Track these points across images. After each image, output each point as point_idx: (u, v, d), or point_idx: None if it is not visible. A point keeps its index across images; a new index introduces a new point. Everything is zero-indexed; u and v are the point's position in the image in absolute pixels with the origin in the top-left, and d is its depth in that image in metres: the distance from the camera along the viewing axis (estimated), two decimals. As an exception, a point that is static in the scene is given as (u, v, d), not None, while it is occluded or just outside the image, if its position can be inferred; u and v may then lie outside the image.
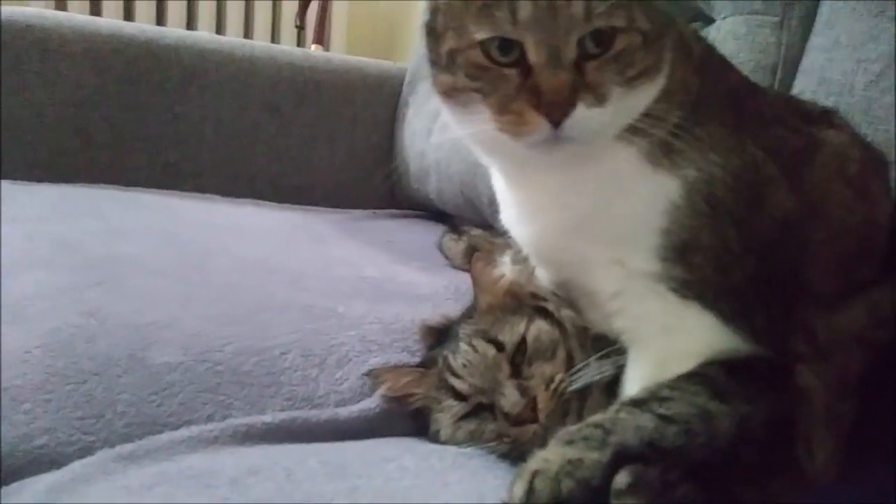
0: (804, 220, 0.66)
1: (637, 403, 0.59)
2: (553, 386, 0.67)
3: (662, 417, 0.57)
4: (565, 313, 0.73)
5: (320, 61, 1.62)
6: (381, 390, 0.77)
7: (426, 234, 1.34)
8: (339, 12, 2.61)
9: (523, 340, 0.71)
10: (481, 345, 0.71)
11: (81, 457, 0.64)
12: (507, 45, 0.57)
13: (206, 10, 2.50)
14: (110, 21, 1.54)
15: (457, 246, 1.19)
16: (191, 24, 2.47)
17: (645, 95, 0.60)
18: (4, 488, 0.62)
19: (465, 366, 0.71)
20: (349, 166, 1.61)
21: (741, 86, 0.72)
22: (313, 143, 1.57)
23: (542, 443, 0.60)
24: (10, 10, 1.35)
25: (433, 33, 0.62)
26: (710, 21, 1.10)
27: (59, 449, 0.66)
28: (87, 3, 2.36)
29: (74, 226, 1.02)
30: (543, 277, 0.76)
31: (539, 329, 0.71)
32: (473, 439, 0.69)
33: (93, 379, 0.70)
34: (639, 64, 0.58)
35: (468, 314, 0.78)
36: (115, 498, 0.58)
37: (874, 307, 0.68)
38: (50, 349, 0.72)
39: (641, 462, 0.54)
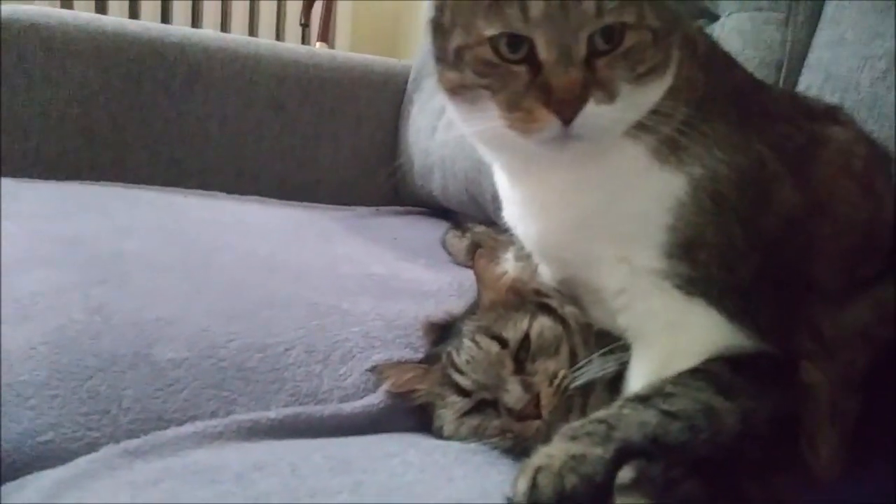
0: (809, 216, 0.66)
1: (641, 399, 0.59)
2: (556, 382, 0.67)
3: (666, 413, 0.57)
4: (569, 310, 0.73)
5: (325, 59, 1.62)
6: (385, 386, 0.77)
7: (430, 230, 1.34)
8: (343, 10, 2.61)
9: (527, 337, 0.71)
10: (485, 341, 0.71)
11: (87, 452, 0.64)
12: (517, 41, 0.57)
13: (210, 8, 2.50)
14: (115, 19, 1.54)
15: (460, 243, 1.19)
16: (195, 22, 2.48)
17: (654, 92, 0.60)
18: (9, 484, 0.63)
19: (468, 362, 0.71)
20: (354, 163, 1.61)
21: (746, 83, 0.72)
22: (318, 141, 1.57)
23: (546, 439, 0.60)
24: (14, 8, 1.36)
25: (440, 30, 0.62)
26: (715, 18, 1.10)
27: (64, 445, 0.66)
28: (93, 1, 2.36)
29: (79, 223, 1.03)
30: (547, 274, 0.76)
31: (542, 325, 0.71)
32: (477, 435, 0.69)
33: (98, 375, 0.71)
34: (648, 60, 0.58)
35: (471, 311, 0.78)
36: (120, 493, 0.58)
37: (879, 304, 0.68)
38: (55, 346, 0.72)
39: (645, 458, 0.54)
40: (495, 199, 0.79)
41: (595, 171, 0.64)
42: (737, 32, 1.04)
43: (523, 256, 0.78)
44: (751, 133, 0.65)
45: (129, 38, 1.42)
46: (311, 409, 0.73)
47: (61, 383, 0.69)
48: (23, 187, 1.17)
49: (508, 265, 0.80)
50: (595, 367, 0.68)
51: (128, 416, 0.69)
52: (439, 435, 0.73)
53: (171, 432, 0.67)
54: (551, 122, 0.56)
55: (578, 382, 0.67)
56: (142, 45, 1.42)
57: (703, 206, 0.62)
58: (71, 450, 0.65)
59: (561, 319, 0.72)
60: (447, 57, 0.61)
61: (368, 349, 0.81)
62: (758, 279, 0.63)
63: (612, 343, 0.68)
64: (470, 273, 0.83)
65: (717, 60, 0.70)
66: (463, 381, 0.71)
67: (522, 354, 0.70)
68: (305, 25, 2.36)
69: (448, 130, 1.31)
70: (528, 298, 0.75)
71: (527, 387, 0.67)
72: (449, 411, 0.72)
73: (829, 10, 0.98)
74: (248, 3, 2.56)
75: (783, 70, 1.01)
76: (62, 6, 2.21)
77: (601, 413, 0.59)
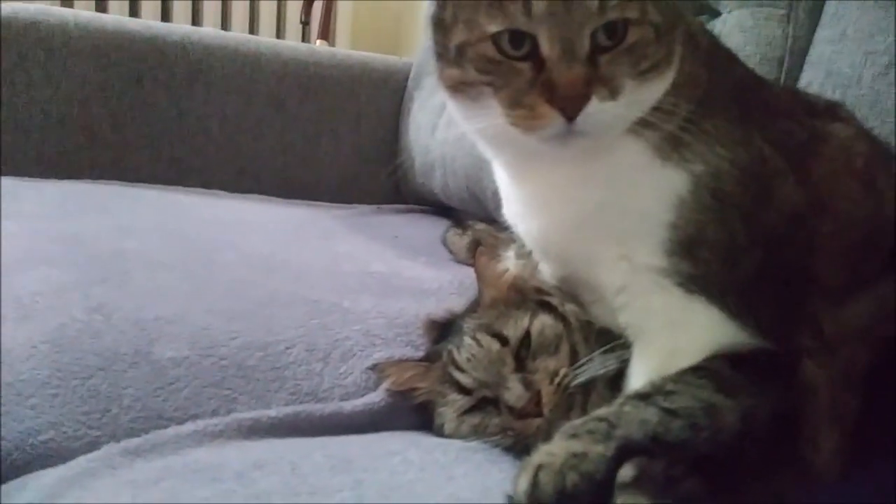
0: (811, 213, 0.66)
1: (642, 397, 0.59)
2: (557, 380, 0.67)
3: (667, 411, 0.57)
4: (569, 308, 0.73)
5: (325, 57, 1.62)
6: (386, 384, 0.77)
7: (431, 228, 1.34)
8: (343, 8, 2.61)
9: (527, 335, 0.71)
10: (485, 339, 0.71)
11: (87, 451, 0.64)
12: (520, 38, 0.56)
13: (211, 7, 2.50)
14: (115, 17, 1.54)
15: (461, 240, 1.18)
16: (196, 20, 2.48)
17: (656, 89, 0.60)
18: (10, 483, 0.63)
19: (469, 360, 0.71)
20: (354, 161, 1.61)
21: (747, 79, 0.72)
22: (318, 139, 1.57)
23: (547, 437, 0.60)
24: (14, 7, 1.36)
25: (441, 26, 0.62)
26: (716, 14, 1.09)
27: (65, 443, 0.66)
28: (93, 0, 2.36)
29: (80, 222, 1.03)
30: (547, 272, 0.76)
31: (543, 323, 0.71)
32: (477, 433, 0.69)
33: (99, 374, 0.71)
34: (651, 57, 0.58)
35: (472, 308, 0.78)
36: (120, 492, 0.58)
37: (881, 301, 0.68)
38: (56, 344, 0.72)
39: (646, 456, 0.54)
40: (496, 196, 0.78)
41: (596, 168, 0.63)
42: (738, 29, 1.04)
43: (524, 254, 0.78)
44: (752, 130, 0.65)
45: (130, 36, 1.42)
46: (311, 408, 0.73)
47: (62, 382, 0.69)
48: (23, 186, 1.17)
49: (509, 263, 0.80)
50: (596, 365, 0.68)
51: (128, 415, 0.69)
52: (440, 433, 0.73)
53: (172, 431, 0.67)
54: (554, 119, 0.56)
55: (579, 380, 0.67)
56: (142, 44, 1.42)
57: (705, 203, 0.62)
58: (71, 449, 0.65)
59: (562, 317, 0.72)
60: (448, 54, 0.61)
61: (369, 347, 0.82)
62: (759, 277, 0.63)
63: (612, 341, 0.68)
64: (471, 271, 0.83)
65: (718, 57, 0.69)
66: (464, 379, 0.71)
67: (523, 352, 0.70)
68: (306, 23, 2.36)
69: (449, 128, 1.31)
70: (528, 296, 0.75)
71: (527, 385, 0.67)
72: (450, 409, 0.72)
73: (830, 6, 0.98)
74: (248, 1, 2.56)
75: (784, 66, 1.01)
76: (62, 5, 2.20)
77: (602, 411, 0.59)
